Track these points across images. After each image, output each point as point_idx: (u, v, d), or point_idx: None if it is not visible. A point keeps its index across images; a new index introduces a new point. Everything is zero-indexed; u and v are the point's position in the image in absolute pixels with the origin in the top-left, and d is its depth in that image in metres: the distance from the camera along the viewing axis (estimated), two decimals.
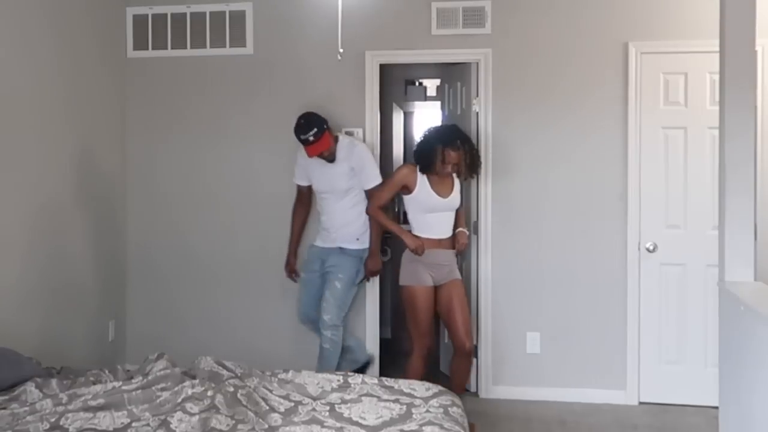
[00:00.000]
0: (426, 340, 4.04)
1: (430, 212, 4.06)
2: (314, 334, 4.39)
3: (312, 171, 4.36)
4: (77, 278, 4.27)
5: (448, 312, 4.02)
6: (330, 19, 4.28)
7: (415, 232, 4.05)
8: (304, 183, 4.46)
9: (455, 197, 4.10)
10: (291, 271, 4.55)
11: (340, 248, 4.32)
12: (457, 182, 4.13)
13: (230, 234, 4.78)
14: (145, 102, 4.84)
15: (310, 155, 4.16)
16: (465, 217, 4.36)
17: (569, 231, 4.48)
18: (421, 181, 4.04)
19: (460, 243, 4.12)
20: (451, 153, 3.98)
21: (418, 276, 3.98)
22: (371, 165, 4.31)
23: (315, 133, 4.09)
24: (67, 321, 4.15)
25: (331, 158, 4.24)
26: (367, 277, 4.43)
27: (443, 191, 4.06)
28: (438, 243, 4.04)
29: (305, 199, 4.52)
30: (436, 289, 4.04)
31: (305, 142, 4.12)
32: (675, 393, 4.44)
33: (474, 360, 4.65)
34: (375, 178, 4.29)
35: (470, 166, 4.09)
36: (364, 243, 4.32)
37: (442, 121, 5.29)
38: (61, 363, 3.42)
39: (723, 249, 3.08)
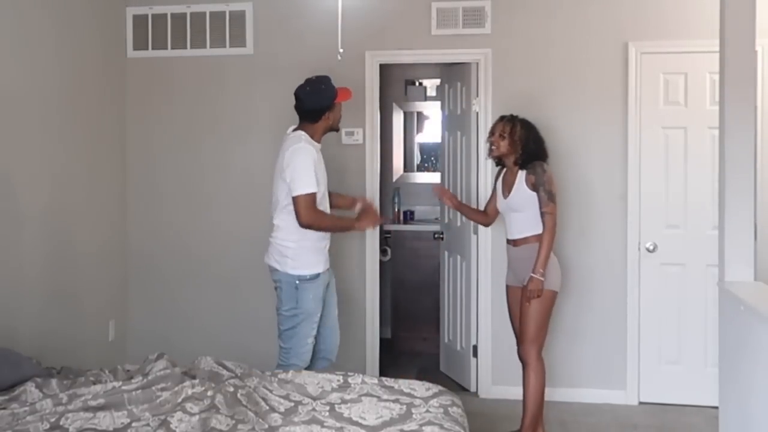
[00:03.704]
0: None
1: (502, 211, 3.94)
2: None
3: (320, 167, 3.62)
4: (77, 278, 4.27)
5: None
6: (330, 19, 4.28)
7: None
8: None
9: (512, 199, 3.78)
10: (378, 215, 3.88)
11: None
12: (521, 182, 3.76)
13: (230, 234, 4.77)
14: (145, 102, 4.84)
15: (350, 98, 3.73)
16: (545, 249, 3.68)
17: (569, 231, 4.47)
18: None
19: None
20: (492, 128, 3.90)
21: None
22: None
23: None
24: (68, 321, 4.14)
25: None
26: None
27: (505, 189, 3.85)
28: (513, 243, 3.83)
29: None
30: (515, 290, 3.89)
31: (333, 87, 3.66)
32: (675, 393, 4.44)
33: (474, 360, 4.67)
34: None
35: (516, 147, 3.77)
36: None
37: (442, 121, 5.29)
38: (61, 363, 3.41)
39: (723, 249, 3.08)
